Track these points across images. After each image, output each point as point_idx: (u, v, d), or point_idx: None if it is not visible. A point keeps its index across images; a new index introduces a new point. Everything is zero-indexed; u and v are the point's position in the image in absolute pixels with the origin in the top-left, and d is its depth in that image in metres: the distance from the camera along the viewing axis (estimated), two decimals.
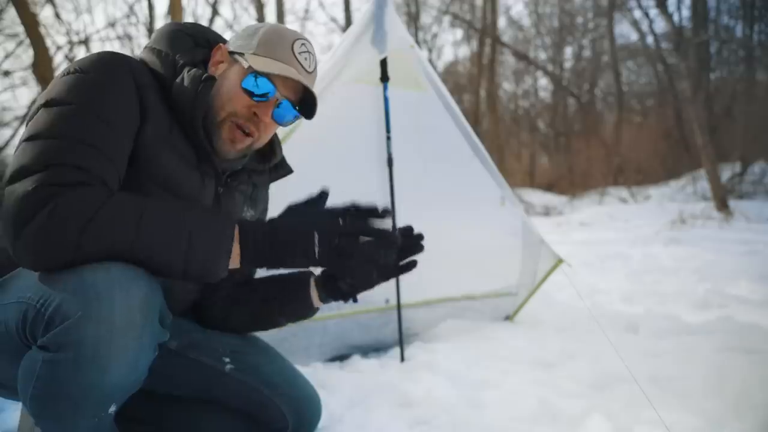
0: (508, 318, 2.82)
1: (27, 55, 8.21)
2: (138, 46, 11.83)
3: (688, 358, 1.97)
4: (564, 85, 20.24)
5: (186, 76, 1.07)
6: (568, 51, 21.52)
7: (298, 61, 1.13)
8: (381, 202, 2.40)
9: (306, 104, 1.18)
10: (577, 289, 2.28)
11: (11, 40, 8.23)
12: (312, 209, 1.01)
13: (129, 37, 11.81)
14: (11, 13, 7.53)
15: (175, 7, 7.20)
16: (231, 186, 1.23)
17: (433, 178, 2.44)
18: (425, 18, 19.79)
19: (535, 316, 2.81)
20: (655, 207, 10.37)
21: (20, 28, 7.47)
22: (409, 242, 1.11)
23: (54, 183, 0.85)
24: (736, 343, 2.08)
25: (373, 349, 2.33)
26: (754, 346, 2.04)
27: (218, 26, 14.10)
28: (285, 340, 2.02)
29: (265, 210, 1.40)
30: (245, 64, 1.10)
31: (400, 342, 2.17)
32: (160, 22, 11.88)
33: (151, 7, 11.93)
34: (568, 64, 21.46)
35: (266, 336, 1.40)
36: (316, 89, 1.20)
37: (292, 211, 1.01)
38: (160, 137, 1.05)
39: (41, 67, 6.97)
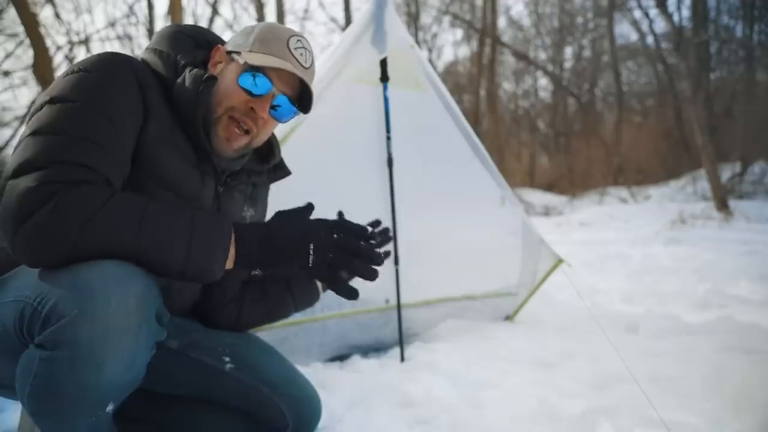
0: (508, 318, 2.82)
1: (27, 55, 8.21)
2: (138, 46, 11.84)
3: (688, 358, 1.98)
4: (564, 85, 20.24)
5: (187, 76, 1.08)
6: (568, 51, 21.53)
7: (294, 57, 1.13)
8: (381, 202, 2.41)
9: (303, 100, 1.18)
10: (577, 289, 2.29)
11: (11, 40, 8.23)
12: (303, 218, 1.02)
13: (129, 37, 11.81)
14: (11, 13, 7.53)
15: (175, 7, 7.19)
16: (231, 186, 1.23)
17: (433, 178, 2.44)
18: (425, 18, 19.82)
19: (535, 316, 2.81)
20: (655, 207, 10.37)
21: (20, 28, 7.46)
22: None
23: (57, 180, 0.86)
24: (736, 343, 2.08)
25: (373, 349, 2.33)
26: (754, 346, 2.04)
27: (218, 26, 14.12)
28: (285, 340, 2.02)
29: (265, 210, 1.41)
30: (241, 61, 1.10)
31: (400, 342, 2.17)
32: (160, 22, 11.90)
33: (150, 7, 11.93)
34: (568, 64, 21.48)
35: (266, 336, 1.41)
36: (316, 89, 1.20)
37: (283, 217, 1.02)
38: (161, 136, 1.05)
39: (41, 67, 6.96)
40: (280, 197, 1.52)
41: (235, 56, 1.13)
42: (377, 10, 2.22)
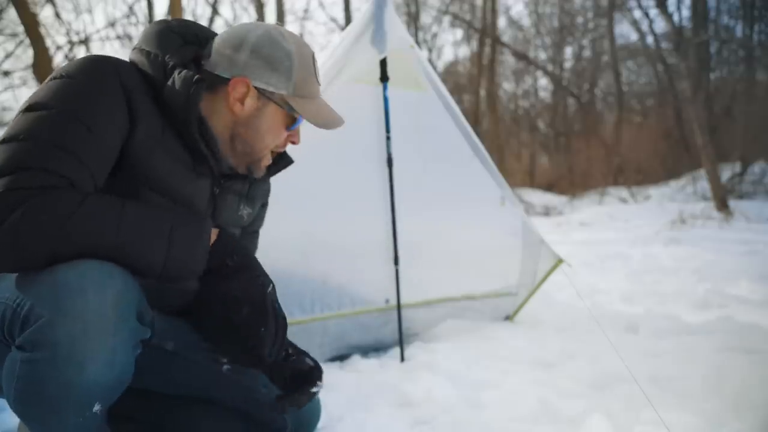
0: (508, 318, 2.82)
1: (27, 55, 8.19)
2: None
3: (688, 358, 1.98)
4: (564, 85, 20.23)
5: (177, 78, 1.05)
6: (568, 51, 21.51)
7: (319, 82, 1.21)
8: (381, 202, 2.41)
9: None
10: (577, 289, 2.29)
11: (11, 40, 8.22)
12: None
13: (129, 37, 11.77)
14: (11, 13, 7.53)
15: (175, 7, 7.18)
16: (226, 186, 1.22)
17: (433, 178, 2.44)
18: (425, 18, 19.80)
19: (535, 316, 2.81)
20: (655, 207, 10.37)
21: (20, 28, 7.45)
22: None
23: (21, 187, 0.85)
24: (736, 343, 2.08)
25: (373, 349, 2.33)
26: (754, 346, 2.04)
27: (218, 26, 14.07)
28: None
29: (265, 205, 1.40)
30: (295, 114, 1.14)
31: (400, 342, 2.17)
32: None
33: (150, 7, 11.91)
34: (568, 64, 21.45)
35: None
36: None
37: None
38: (151, 139, 1.04)
39: (41, 67, 6.96)
40: (281, 197, 1.52)
41: (270, 96, 1.11)
42: (377, 10, 2.22)
